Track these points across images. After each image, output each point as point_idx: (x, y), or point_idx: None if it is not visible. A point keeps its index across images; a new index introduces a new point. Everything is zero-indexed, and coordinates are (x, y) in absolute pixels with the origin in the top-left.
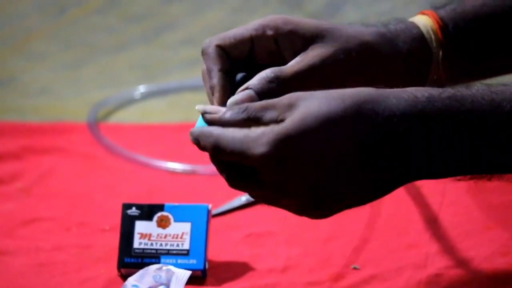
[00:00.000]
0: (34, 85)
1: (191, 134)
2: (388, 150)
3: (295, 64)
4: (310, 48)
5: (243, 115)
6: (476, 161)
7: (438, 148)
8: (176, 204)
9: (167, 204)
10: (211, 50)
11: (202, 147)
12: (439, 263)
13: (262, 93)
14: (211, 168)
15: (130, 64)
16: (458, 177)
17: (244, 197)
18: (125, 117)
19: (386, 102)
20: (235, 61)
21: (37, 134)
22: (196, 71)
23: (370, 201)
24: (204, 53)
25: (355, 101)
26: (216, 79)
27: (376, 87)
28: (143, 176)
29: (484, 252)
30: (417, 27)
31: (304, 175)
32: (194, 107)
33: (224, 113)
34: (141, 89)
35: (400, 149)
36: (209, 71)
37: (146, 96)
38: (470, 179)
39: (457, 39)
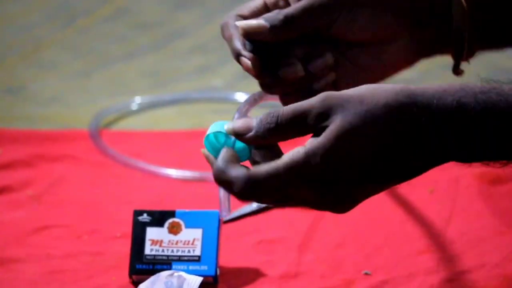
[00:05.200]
0: (44, 94)
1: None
2: (424, 141)
3: (300, 2)
4: None
5: (273, 129)
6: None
7: (474, 138)
8: (187, 210)
9: (178, 210)
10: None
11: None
12: (451, 269)
13: (275, 28)
14: None
15: (140, 72)
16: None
17: (254, 204)
18: (135, 124)
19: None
20: None
21: (48, 142)
22: (207, 78)
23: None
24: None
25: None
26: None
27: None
28: (153, 184)
29: (497, 257)
30: None
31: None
32: (203, 114)
33: (255, 130)
34: (150, 97)
35: (437, 139)
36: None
37: (155, 105)
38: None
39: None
